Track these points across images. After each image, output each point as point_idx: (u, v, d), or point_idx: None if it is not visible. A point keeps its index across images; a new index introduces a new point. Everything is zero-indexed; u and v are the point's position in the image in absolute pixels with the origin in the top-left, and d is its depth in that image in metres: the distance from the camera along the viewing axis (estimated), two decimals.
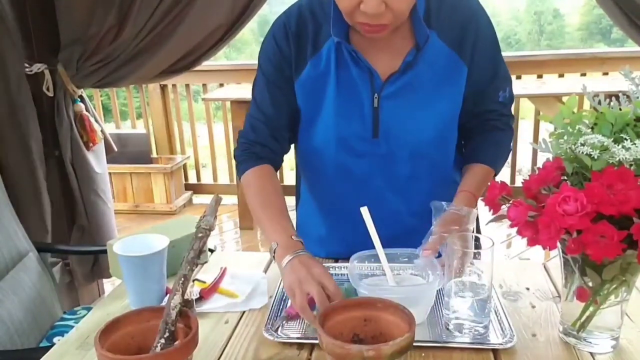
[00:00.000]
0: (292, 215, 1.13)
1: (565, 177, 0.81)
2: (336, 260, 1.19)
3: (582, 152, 0.76)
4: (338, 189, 1.18)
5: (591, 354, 0.85)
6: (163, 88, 3.90)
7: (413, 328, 0.72)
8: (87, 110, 2.35)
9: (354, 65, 1.07)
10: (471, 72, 1.09)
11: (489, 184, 1.13)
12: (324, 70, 1.09)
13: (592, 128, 0.81)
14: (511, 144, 1.20)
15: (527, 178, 0.82)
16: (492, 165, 1.14)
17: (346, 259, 1.05)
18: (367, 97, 1.09)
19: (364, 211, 0.96)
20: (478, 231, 1.59)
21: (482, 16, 1.10)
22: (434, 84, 1.08)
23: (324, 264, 1.15)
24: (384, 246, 0.98)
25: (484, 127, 1.16)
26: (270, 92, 1.13)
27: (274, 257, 1.00)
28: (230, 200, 3.70)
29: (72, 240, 2.40)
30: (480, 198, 1.01)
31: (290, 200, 1.19)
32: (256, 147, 1.15)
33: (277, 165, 1.17)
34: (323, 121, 1.12)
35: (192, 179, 4.19)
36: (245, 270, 1.15)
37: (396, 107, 1.09)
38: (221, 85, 3.88)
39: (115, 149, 2.58)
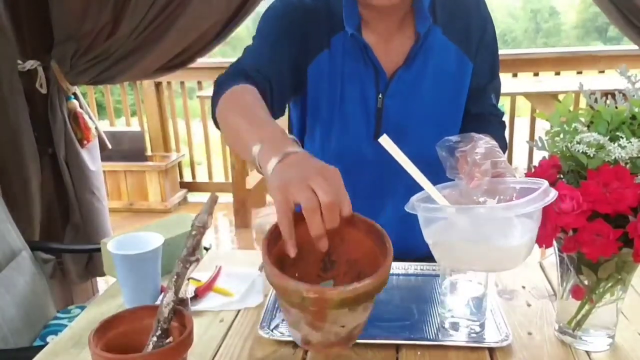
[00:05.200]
0: None
1: (561, 176, 0.80)
2: None
3: (578, 151, 0.76)
4: None
5: (587, 352, 0.85)
6: (158, 85, 3.88)
7: (382, 271, 0.58)
8: (81, 107, 2.33)
9: (361, 62, 1.05)
10: (474, 69, 1.08)
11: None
12: (335, 63, 1.06)
13: (588, 126, 0.81)
14: (506, 146, 1.17)
15: (523, 176, 0.82)
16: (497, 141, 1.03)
17: None
18: (372, 96, 1.06)
19: (384, 140, 0.77)
20: None
21: (489, 17, 1.10)
22: (441, 85, 1.07)
23: None
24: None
25: (481, 123, 1.13)
26: (272, 45, 1.00)
27: (258, 165, 0.73)
28: (225, 198, 3.69)
29: (65, 238, 2.39)
30: None
31: None
32: (251, 71, 0.94)
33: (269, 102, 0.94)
34: (328, 118, 1.09)
35: (187, 177, 4.18)
36: (240, 269, 1.15)
37: (400, 107, 1.07)
38: None
39: (110, 147, 2.57)
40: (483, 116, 1.14)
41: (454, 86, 1.08)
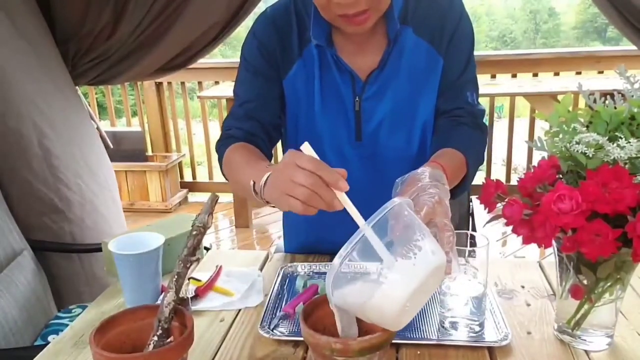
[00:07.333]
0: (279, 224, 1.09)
1: (561, 176, 0.81)
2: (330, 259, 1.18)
3: (577, 151, 0.76)
4: None
5: (586, 351, 0.85)
6: (158, 86, 3.89)
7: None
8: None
9: (335, 68, 1.08)
10: (445, 64, 1.09)
11: (463, 171, 1.02)
12: (309, 72, 1.09)
13: (587, 126, 0.81)
14: (484, 148, 1.13)
15: (523, 176, 0.82)
16: (463, 152, 1.02)
17: None
18: (349, 100, 1.09)
19: (305, 147, 0.79)
20: (474, 229, 1.60)
21: (463, 13, 1.10)
22: (415, 83, 1.08)
23: (316, 262, 1.16)
24: None
25: (453, 123, 1.10)
26: (254, 85, 1.11)
27: (255, 193, 0.88)
28: (225, 198, 3.70)
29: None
30: (475, 196, 1.00)
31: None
32: (237, 132, 1.09)
33: (265, 153, 1.07)
34: (309, 124, 1.12)
35: (188, 177, 4.18)
36: (240, 269, 1.15)
37: (378, 108, 1.09)
38: (216, 82, 3.87)
39: (111, 147, 2.57)
40: (454, 114, 1.11)
41: (426, 83, 1.09)
